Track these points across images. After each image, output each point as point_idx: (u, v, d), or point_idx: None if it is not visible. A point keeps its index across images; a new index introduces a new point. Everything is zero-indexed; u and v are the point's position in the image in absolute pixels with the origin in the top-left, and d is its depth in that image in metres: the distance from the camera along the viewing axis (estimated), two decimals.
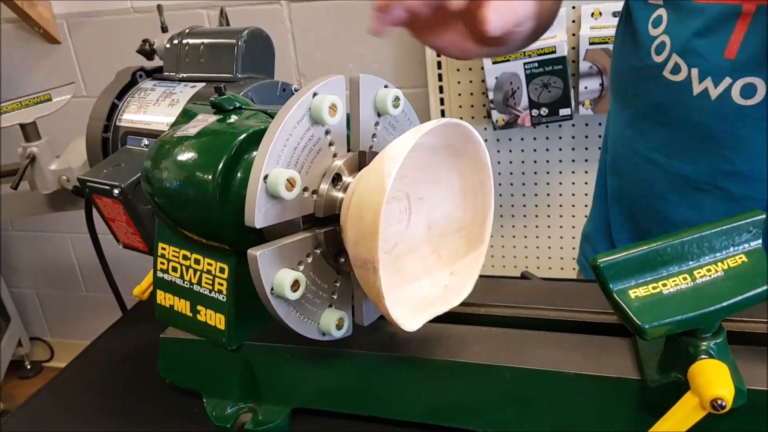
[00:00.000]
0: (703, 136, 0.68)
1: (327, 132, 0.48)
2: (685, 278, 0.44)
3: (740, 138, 0.66)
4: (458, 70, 1.55)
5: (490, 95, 1.46)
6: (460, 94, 1.57)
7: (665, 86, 0.69)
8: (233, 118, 0.54)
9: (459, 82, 1.56)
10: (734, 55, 0.64)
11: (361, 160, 0.50)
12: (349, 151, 0.51)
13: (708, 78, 0.66)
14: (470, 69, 1.54)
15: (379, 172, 0.43)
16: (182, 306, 0.57)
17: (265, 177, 0.45)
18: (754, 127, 0.65)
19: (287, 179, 0.45)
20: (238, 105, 0.55)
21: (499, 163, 1.60)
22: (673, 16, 0.69)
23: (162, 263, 0.58)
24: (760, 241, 0.45)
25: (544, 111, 1.45)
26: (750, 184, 0.67)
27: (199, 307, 0.56)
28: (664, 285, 0.44)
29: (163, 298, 0.58)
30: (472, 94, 1.56)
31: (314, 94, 0.47)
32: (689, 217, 0.73)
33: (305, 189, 0.48)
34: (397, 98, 0.51)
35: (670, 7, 0.69)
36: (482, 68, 1.45)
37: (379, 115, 0.52)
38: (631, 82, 0.76)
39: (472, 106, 1.58)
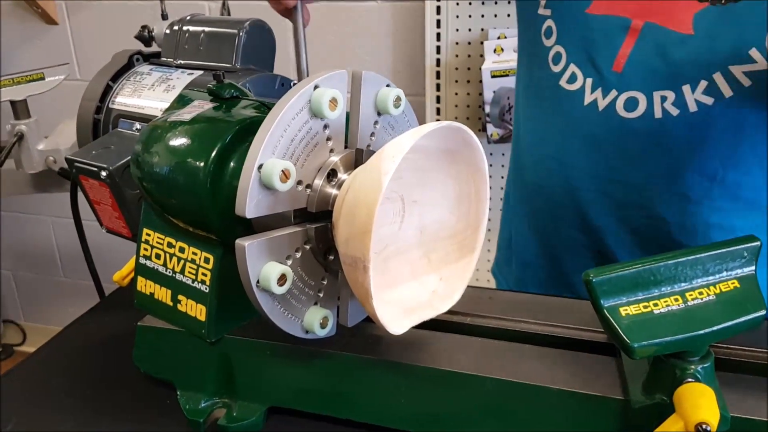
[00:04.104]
0: (592, 145, 0.71)
1: (325, 126, 0.48)
2: (676, 299, 0.43)
3: (623, 149, 0.69)
4: (456, 81, 1.55)
5: (487, 108, 1.46)
6: (456, 106, 1.57)
7: (562, 95, 0.72)
8: (230, 106, 0.53)
9: (456, 93, 1.56)
10: (621, 69, 0.67)
11: (358, 157, 0.49)
12: (346, 147, 0.50)
13: (599, 89, 0.69)
14: (468, 81, 1.54)
15: (376, 171, 0.42)
16: (163, 294, 0.56)
17: (260, 166, 0.44)
18: (634, 139, 0.68)
19: (282, 170, 0.44)
20: (236, 94, 0.55)
21: (491, 177, 1.60)
22: (562, 28, 0.71)
23: (145, 249, 0.57)
24: (753, 267, 0.45)
25: None
26: (635, 191, 0.71)
27: (180, 297, 0.54)
28: (656, 305, 0.43)
29: (144, 285, 0.57)
30: (468, 106, 1.56)
31: (315, 87, 0.46)
32: (579, 219, 0.76)
33: (299, 182, 0.47)
34: (398, 98, 0.50)
35: (558, 18, 0.72)
36: (480, 81, 1.45)
37: (379, 114, 0.51)
38: (531, 91, 0.79)
39: (468, 118, 1.57)
